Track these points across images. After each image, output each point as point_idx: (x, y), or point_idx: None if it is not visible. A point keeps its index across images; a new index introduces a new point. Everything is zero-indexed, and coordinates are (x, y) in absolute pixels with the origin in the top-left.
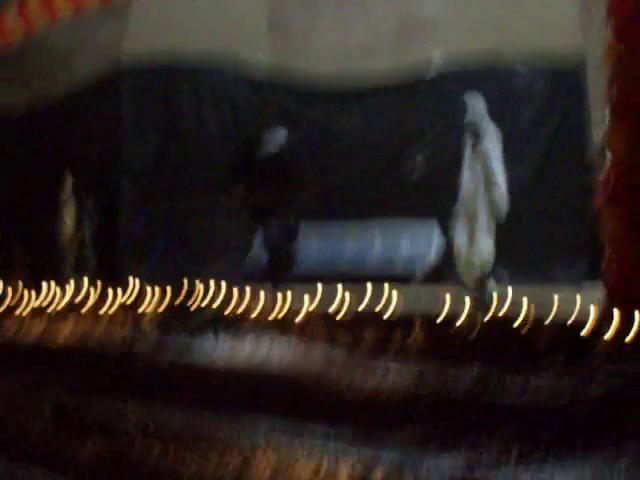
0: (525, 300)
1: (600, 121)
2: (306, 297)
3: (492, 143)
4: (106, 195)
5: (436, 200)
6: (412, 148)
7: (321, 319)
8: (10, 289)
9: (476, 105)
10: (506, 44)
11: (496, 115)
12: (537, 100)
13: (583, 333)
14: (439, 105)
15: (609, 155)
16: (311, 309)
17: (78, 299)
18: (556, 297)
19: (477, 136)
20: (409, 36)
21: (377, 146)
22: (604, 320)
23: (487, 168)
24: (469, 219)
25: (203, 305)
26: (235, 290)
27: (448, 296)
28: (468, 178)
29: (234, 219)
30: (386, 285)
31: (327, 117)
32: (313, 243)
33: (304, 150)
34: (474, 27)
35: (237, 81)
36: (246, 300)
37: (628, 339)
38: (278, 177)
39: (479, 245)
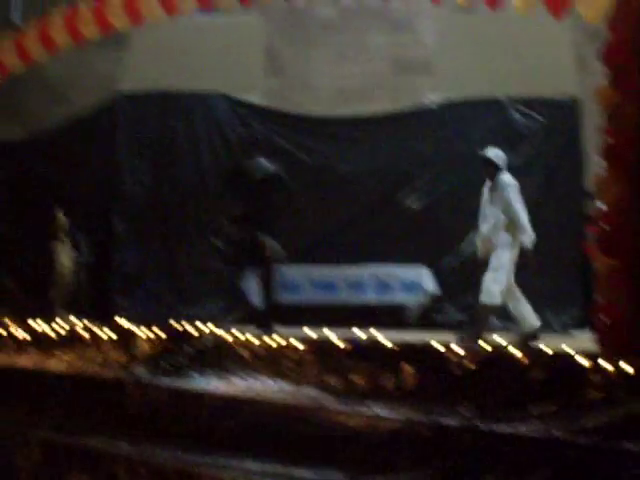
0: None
1: (594, 169)
2: (296, 339)
3: (513, 193)
4: (99, 231)
5: (428, 245)
6: (405, 191)
7: (312, 358)
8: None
9: (497, 156)
10: (501, 89)
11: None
12: (530, 146)
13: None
14: (434, 148)
15: (601, 203)
16: (300, 350)
17: (67, 335)
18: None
19: (497, 186)
20: (404, 79)
21: (370, 189)
22: (594, 367)
23: (511, 214)
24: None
25: (192, 345)
26: (224, 331)
27: (437, 340)
28: (487, 224)
29: (225, 259)
30: (376, 330)
31: (321, 157)
32: (305, 286)
33: (296, 190)
34: (470, 71)
35: (232, 119)
36: (235, 340)
37: (618, 385)
38: (268, 197)
39: (487, 287)
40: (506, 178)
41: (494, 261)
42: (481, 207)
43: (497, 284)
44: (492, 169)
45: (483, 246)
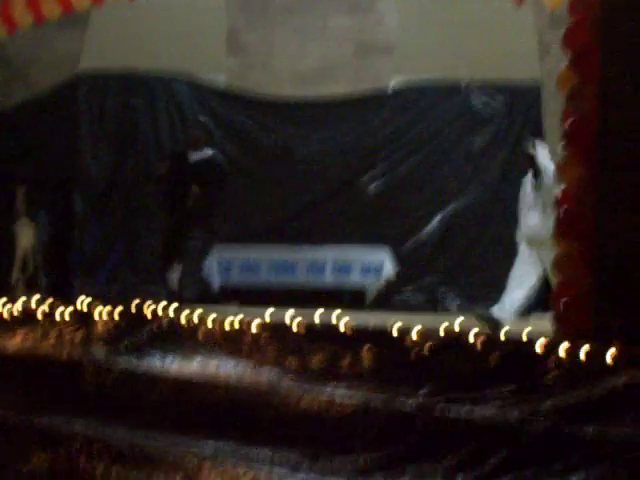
0: (474, 326)
1: (554, 151)
2: (254, 320)
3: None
4: (59, 210)
5: (389, 226)
6: (366, 173)
7: (269, 340)
8: None
9: (542, 151)
10: (464, 72)
11: (451, 138)
12: (492, 129)
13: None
14: (395, 130)
15: (561, 185)
16: (258, 331)
17: (25, 315)
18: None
19: (541, 178)
20: (366, 61)
21: (331, 170)
22: (552, 349)
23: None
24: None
25: (151, 323)
26: (185, 309)
27: (397, 321)
28: (534, 215)
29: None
30: (335, 311)
31: (282, 139)
32: (264, 267)
33: (256, 172)
34: (431, 53)
35: (192, 98)
36: (195, 320)
37: (575, 367)
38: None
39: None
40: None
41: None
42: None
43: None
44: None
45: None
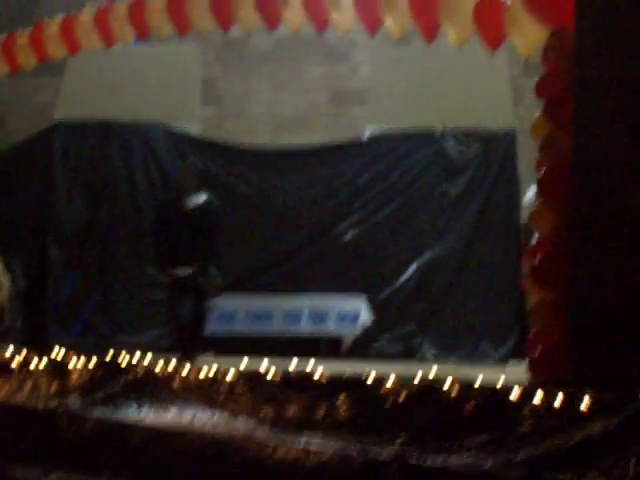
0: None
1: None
2: (231, 369)
3: None
4: (34, 259)
5: (365, 275)
6: (342, 222)
7: (245, 389)
8: None
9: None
10: (437, 120)
11: (426, 186)
12: (466, 177)
13: (507, 405)
14: (370, 178)
15: (535, 235)
16: (235, 379)
17: (1, 363)
18: (480, 375)
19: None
20: (341, 109)
21: (306, 219)
22: (527, 397)
23: None
24: None
25: (125, 375)
26: (160, 360)
27: (373, 370)
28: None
29: (162, 290)
30: (312, 360)
31: (258, 187)
32: (241, 316)
33: (232, 220)
34: (405, 102)
35: (168, 146)
36: (171, 370)
37: (550, 415)
38: (201, 230)
39: None
40: None
41: None
42: None
43: None
44: None
45: None
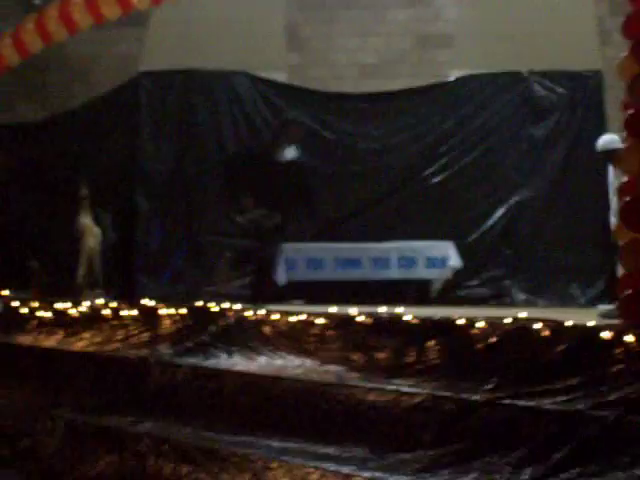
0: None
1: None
2: (319, 316)
3: None
4: (122, 210)
5: (452, 219)
6: (428, 167)
7: (335, 335)
8: (24, 302)
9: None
10: (524, 63)
11: (513, 129)
12: (553, 120)
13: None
14: (456, 122)
15: (624, 175)
16: (324, 327)
17: (92, 315)
18: (570, 318)
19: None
20: (426, 54)
21: (392, 165)
22: (618, 339)
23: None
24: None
25: (215, 323)
26: (247, 308)
27: (461, 315)
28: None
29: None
30: (400, 305)
31: (343, 134)
32: (329, 263)
33: (318, 167)
34: (491, 45)
35: (254, 93)
36: (258, 318)
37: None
38: (291, 187)
39: None
40: None
41: None
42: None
43: None
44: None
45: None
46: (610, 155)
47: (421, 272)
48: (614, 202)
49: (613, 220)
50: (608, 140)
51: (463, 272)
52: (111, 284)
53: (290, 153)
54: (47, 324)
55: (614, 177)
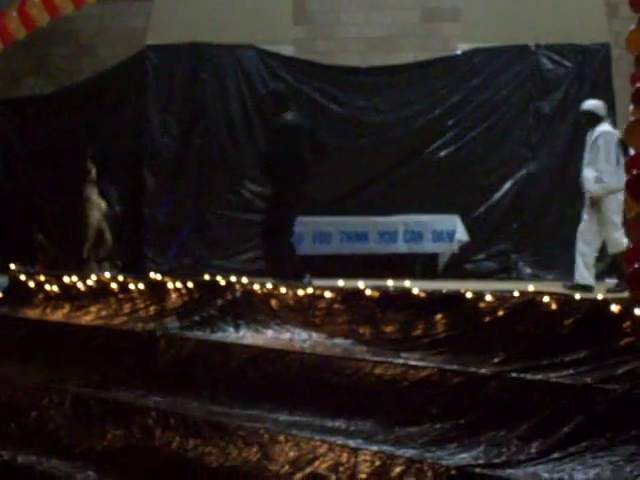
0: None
1: (624, 116)
2: (326, 290)
3: (603, 142)
4: (129, 184)
5: (459, 193)
6: (435, 141)
7: (342, 309)
8: (31, 276)
9: (595, 107)
10: (531, 36)
11: (520, 102)
12: (560, 93)
13: (606, 320)
14: (463, 96)
15: (631, 150)
16: (331, 300)
17: (98, 289)
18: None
19: (593, 136)
20: (433, 27)
21: (399, 139)
22: (625, 312)
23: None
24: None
25: (222, 296)
26: (254, 282)
27: (468, 289)
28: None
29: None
30: (407, 279)
31: (350, 107)
32: (336, 237)
33: (325, 140)
34: (498, 18)
35: (261, 67)
36: (265, 291)
37: None
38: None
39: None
40: (603, 127)
41: (607, 211)
42: (584, 155)
43: (618, 230)
44: (592, 120)
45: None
46: (591, 118)
47: (428, 246)
48: (586, 158)
49: (586, 173)
50: (592, 104)
51: (470, 246)
52: (118, 257)
53: (292, 118)
54: (54, 298)
55: (589, 138)
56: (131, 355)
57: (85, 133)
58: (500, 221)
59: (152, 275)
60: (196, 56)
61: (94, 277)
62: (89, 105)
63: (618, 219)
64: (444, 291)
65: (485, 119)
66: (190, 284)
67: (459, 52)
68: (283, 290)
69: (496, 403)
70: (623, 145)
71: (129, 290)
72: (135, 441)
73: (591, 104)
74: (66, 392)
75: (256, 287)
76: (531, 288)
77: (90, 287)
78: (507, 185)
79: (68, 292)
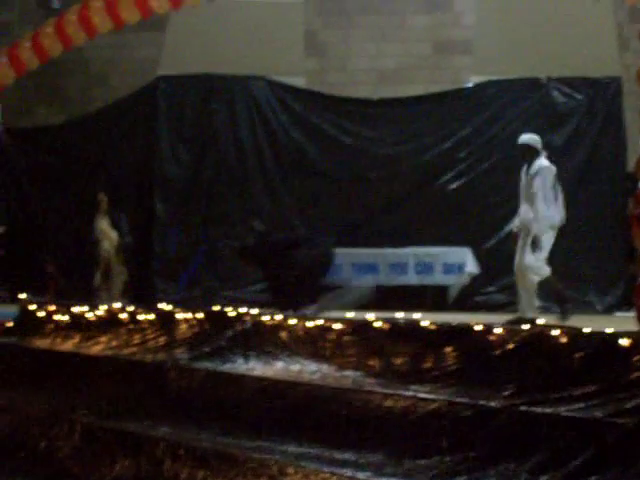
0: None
1: (635, 149)
2: (336, 321)
3: (541, 177)
4: (140, 215)
5: (470, 225)
6: (446, 173)
7: (352, 341)
8: (41, 306)
9: (533, 140)
10: (542, 69)
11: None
12: (571, 126)
13: (616, 354)
14: (474, 128)
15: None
16: (340, 332)
17: (108, 318)
18: (587, 325)
19: (532, 170)
20: (444, 59)
21: (410, 171)
22: (636, 346)
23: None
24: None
25: (232, 327)
26: (266, 313)
27: (479, 321)
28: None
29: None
30: (417, 311)
31: (361, 139)
32: (347, 268)
33: (335, 172)
34: (510, 51)
35: (272, 102)
36: (274, 323)
37: None
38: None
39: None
40: (540, 162)
41: (531, 242)
42: (520, 190)
43: (539, 260)
44: (529, 153)
45: (522, 228)
46: (527, 151)
47: (438, 278)
48: (523, 193)
49: (524, 213)
50: (529, 137)
51: (480, 278)
52: (128, 287)
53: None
54: (64, 328)
55: (524, 174)
56: (140, 385)
57: (96, 163)
58: (510, 254)
59: (162, 305)
60: (207, 87)
61: (104, 307)
62: (101, 135)
63: (547, 247)
64: (454, 323)
65: (496, 152)
66: (200, 315)
67: (470, 85)
68: (293, 322)
69: (506, 436)
70: (630, 177)
71: (139, 321)
72: (144, 472)
73: (528, 138)
74: (75, 422)
75: (266, 318)
76: (541, 321)
77: (100, 317)
78: (517, 218)
79: (78, 322)
